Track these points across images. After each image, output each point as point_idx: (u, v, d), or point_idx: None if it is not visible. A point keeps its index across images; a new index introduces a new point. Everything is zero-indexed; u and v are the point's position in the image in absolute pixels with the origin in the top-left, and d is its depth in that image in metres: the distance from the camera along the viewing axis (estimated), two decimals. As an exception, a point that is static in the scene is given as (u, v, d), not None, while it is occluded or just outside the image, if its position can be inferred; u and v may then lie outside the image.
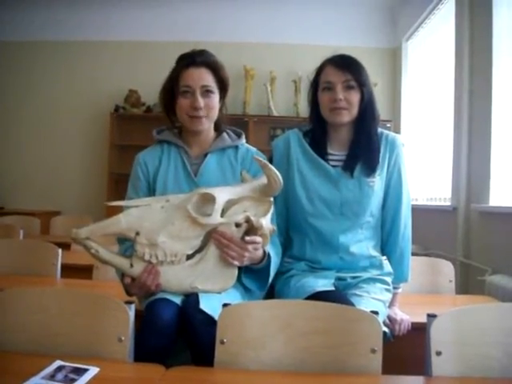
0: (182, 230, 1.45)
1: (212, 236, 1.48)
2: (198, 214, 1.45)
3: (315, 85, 1.76)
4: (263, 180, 1.50)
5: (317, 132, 1.78)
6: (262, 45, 5.47)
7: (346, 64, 1.69)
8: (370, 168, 1.71)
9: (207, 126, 1.70)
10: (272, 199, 1.52)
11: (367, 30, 5.38)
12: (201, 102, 1.63)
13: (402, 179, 1.77)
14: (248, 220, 1.47)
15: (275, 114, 5.35)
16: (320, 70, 1.75)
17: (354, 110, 1.69)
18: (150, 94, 5.19)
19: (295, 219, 1.79)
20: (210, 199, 1.46)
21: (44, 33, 5.62)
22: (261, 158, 1.50)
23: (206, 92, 1.64)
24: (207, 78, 1.65)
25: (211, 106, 1.66)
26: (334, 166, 1.73)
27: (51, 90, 5.70)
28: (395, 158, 1.76)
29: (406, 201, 1.78)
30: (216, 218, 1.46)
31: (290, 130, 1.84)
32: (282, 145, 1.81)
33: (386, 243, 1.81)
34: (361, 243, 1.74)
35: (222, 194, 1.47)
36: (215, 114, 1.69)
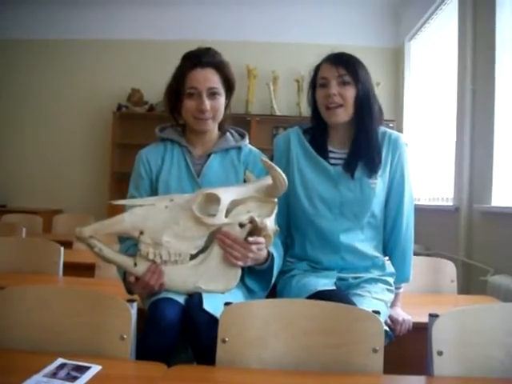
0: (187, 230, 1.45)
1: (216, 236, 1.47)
2: (203, 214, 1.45)
3: (313, 84, 1.76)
4: (268, 180, 1.49)
5: (317, 130, 1.77)
6: (264, 44, 5.47)
7: (340, 60, 1.68)
8: (371, 169, 1.69)
9: (212, 127, 1.70)
10: (276, 200, 1.52)
11: (370, 30, 5.38)
12: (207, 104, 1.62)
13: (405, 180, 1.75)
14: (252, 221, 1.47)
15: (278, 113, 5.35)
16: (317, 69, 1.75)
17: (349, 107, 1.67)
18: (153, 92, 5.21)
19: (296, 218, 1.78)
20: (214, 199, 1.46)
21: (47, 32, 5.63)
22: (267, 160, 1.49)
23: (213, 94, 1.64)
24: (213, 80, 1.64)
25: (217, 108, 1.65)
26: (334, 165, 1.72)
27: (54, 89, 5.71)
28: (398, 158, 1.74)
29: (408, 201, 1.77)
30: (220, 219, 1.45)
31: (291, 128, 1.83)
32: (283, 143, 1.80)
33: (388, 243, 1.80)
34: (362, 243, 1.73)
35: (227, 195, 1.47)
36: (221, 115, 1.69)
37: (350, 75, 1.66)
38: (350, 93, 1.66)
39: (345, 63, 1.67)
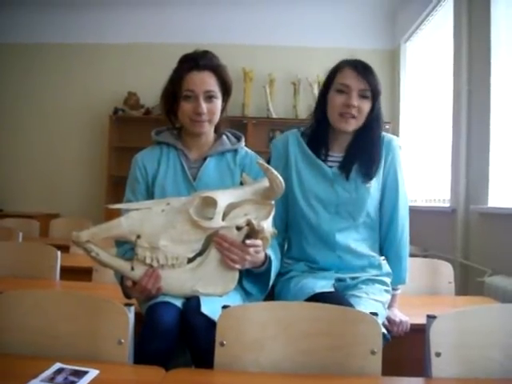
0: (184, 234, 1.45)
1: (213, 239, 1.47)
2: (200, 218, 1.45)
3: (328, 84, 1.74)
4: (264, 183, 1.50)
5: (318, 132, 1.77)
6: (260, 47, 5.47)
7: (366, 72, 1.67)
8: (367, 173, 1.71)
9: (208, 129, 1.70)
10: (273, 202, 1.52)
11: (366, 32, 5.39)
12: (204, 107, 1.62)
13: (399, 182, 1.77)
14: (249, 223, 1.47)
15: (274, 116, 5.36)
16: (337, 70, 1.72)
17: (362, 120, 1.69)
18: (149, 96, 5.21)
19: (293, 219, 1.79)
20: (211, 203, 1.46)
21: (43, 35, 5.63)
22: (264, 163, 1.49)
23: (209, 97, 1.64)
24: (210, 83, 1.64)
25: (214, 111, 1.66)
26: (331, 167, 1.73)
27: (50, 93, 5.70)
28: (391, 160, 1.75)
29: (402, 203, 1.78)
30: (217, 222, 1.45)
31: (289, 131, 1.84)
32: (281, 145, 1.81)
33: (384, 245, 1.81)
34: (357, 242, 1.74)
35: (224, 198, 1.47)
36: (217, 117, 1.69)
37: (371, 91, 1.67)
38: (367, 107, 1.68)
39: (369, 77, 1.67)
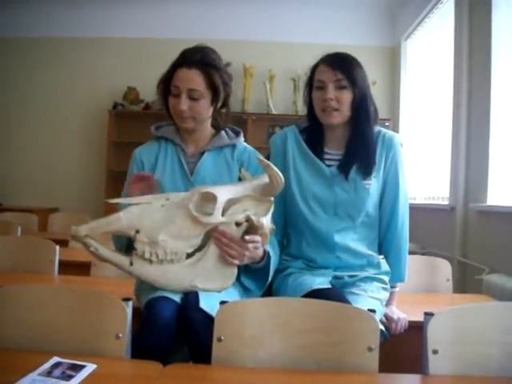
0: (183, 229, 1.45)
1: (212, 235, 1.47)
2: (199, 213, 1.45)
3: (310, 84, 1.75)
4: (264, 179, 1.49)
5: (313, 131, 1.77)
6: (261, 43, 5.46)
7: (338, 63, 1.67)
8: (366, 171, 1.69)
9: (194, 126, 1.68)
10: (272, 199, 1.52)
11: (366, 29, 5.38)
12: (184, 105, 1.61)
13: (399, 179, 1.75)
14: (248, 219, 1.47)
15: (274, 112, 5.35)
16: (314, 69, 1.74)
17: (346, 111, 1.67)
18: (149, 91, 5.18)
19: (291, 217, 1.78)
20: (211, 198, 1.46)
21: (43, 30, 5.60)
22: (264, 159, 1.49)
23: (193, 96, 1.61)
24: (196, 82, 1.61)
25: (197, 110, 1.63)
26: (329, 166, 1.72)
27: (50, 87, 5.68)
28: (392, 157, 1.74)
29: (403, 201, 1.77)
30: (217, 218, 1.45)
31: (288, 127, 1.83)
32: (279, 141, 1.80)
33: (383, 243, 1.80)
34: (355, 242, 1.73)
35: (223, 193, 1.46)
36: (202, 116, 1.66)
37: (347, 79, 1.65)
38: (347, 97, 1.66)
39: (342, 67, 1.66)
